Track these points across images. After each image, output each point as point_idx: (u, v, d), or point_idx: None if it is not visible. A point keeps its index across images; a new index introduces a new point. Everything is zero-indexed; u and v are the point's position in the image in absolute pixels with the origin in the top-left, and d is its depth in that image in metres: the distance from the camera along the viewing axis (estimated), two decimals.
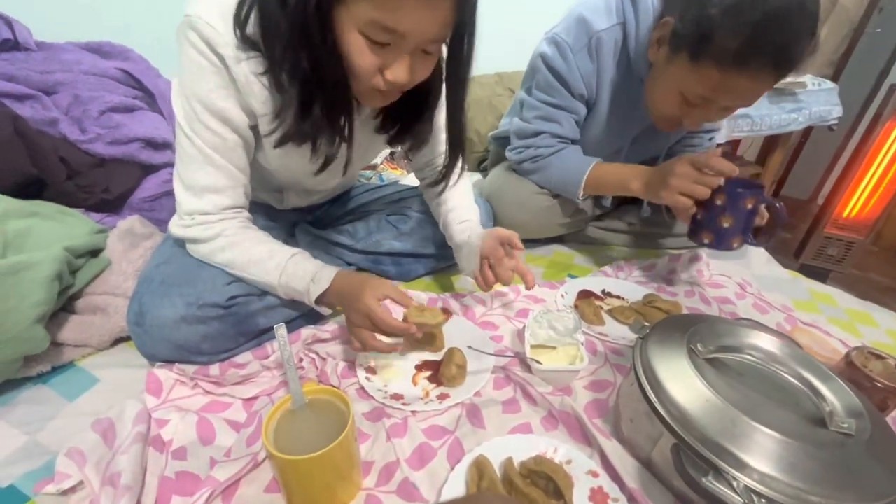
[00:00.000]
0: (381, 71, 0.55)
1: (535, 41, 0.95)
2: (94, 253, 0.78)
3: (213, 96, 0.58)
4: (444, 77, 0.63)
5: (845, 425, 0.47)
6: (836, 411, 0.50)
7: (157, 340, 0.62)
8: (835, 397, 0.51)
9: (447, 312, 0.68)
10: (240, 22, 0.54)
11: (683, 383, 0.51)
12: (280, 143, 0.61)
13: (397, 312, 0.66)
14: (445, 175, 0.75)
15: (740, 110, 1.57)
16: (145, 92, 1.05)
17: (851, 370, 0.65)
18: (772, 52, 0.63)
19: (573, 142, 0.95)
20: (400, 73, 0.55)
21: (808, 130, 2.07)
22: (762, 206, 0.77)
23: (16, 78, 0.88)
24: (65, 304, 0.70)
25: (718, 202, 0.75)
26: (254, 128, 0.63)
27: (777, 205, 0.75)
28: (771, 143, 1.94)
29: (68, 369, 0.67)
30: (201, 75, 0.57)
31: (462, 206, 0.84)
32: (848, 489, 0.42)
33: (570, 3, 0.87)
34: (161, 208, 0.96)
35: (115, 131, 0.91)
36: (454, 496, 0.50)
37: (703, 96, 0.71)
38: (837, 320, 0.88)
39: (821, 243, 1.88)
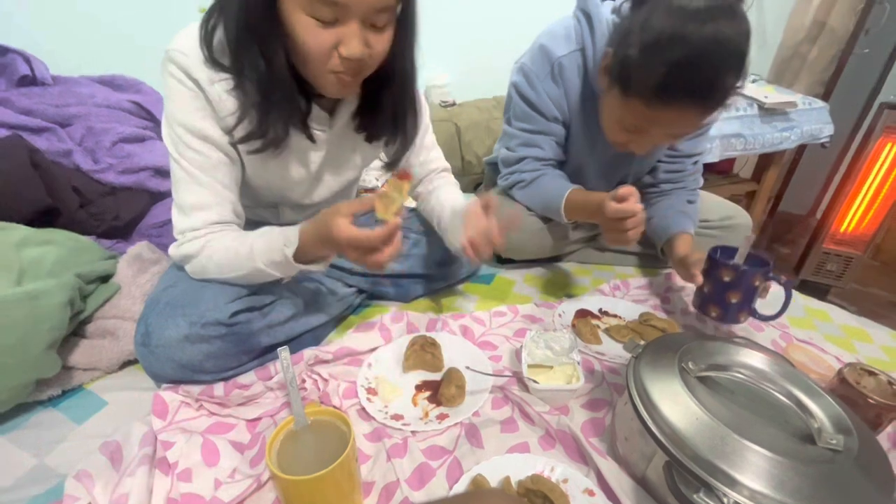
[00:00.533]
0: (335, 49, 0.57)
1: None
2: (105, 278, 0.80)
3: (192, 118, 0.63)
4: (403, 53, 0.66)
5: (833, 441, 0.48)
6: (825, 428, 0.51)
7: (163, 360, 0.64)
8: (823, 414, 0.53)
9: (404, 175, 0.64)
10: (206, 38, 0.59)
11: (675, 402, 0.52)
12: (243, 140, 0.64)
13: None
14: (400, 140, 0.77)
15: (733, 129, 1.62)
16: (155, 122, 1.10)
17: (844, 387, 0.66)
18: (692, 90, 0.66)
19: (560, 163, 0.97)
20: (353, 47, 0.57)
21: (802, 147, 2.11)
22: (767, 282, 0.79)
23: (33, 112, 0.92)
24: (75, 329, 0.72)
25: (726, 278, 0.77)
26: (233, 145, 0.67)
27: (782, 280, 0.76)
28: (765, 160, 1.97)
29: (77, 392, 0.69)
30: (181, 101, 0.62)
31: (453, 199, 0.86)
32: None
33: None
34: (168, 234, 0.99)
35: (125, 161, 0.95)
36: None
37: (636, 126, 0.74)
38: (833, 337, 0.89)
39: (819, 259, 1.90)
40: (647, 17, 0.66)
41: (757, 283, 0.77)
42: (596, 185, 1.03)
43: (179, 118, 0.63)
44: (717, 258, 0.79)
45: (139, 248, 0.88)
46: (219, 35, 0.60)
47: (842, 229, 1.84)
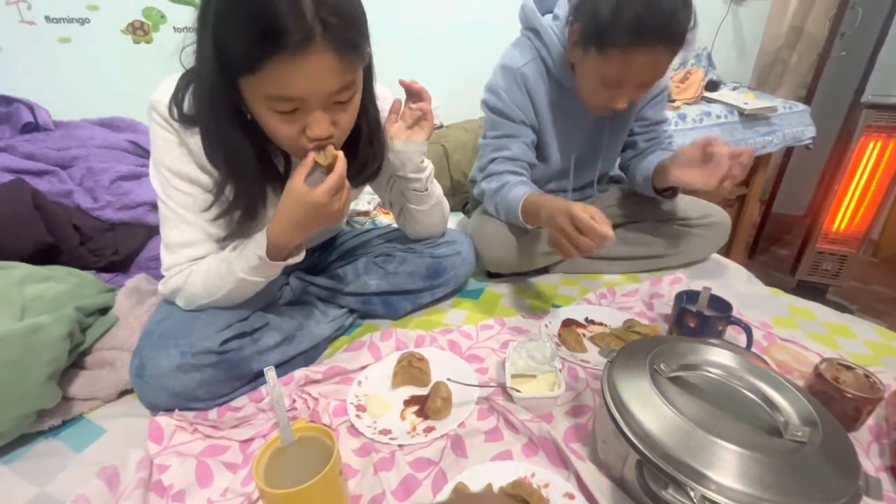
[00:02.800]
0: (303, 132, 0.61)
1: None
2: (104, 311, 0.83)
3: (177, 162, 0.67)
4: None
5: (799, 433, 0.50)
6: (792, 421, 0.52)
7: (156, 390, 0.66)
8: (790, 407, 0.54)
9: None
10: (177, 102, 0.64)
11: (645, 402, 0.54)
12: (218, 217, 0.69)
13: None
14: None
15: (718, 137, 1.66)
16: None
17: (821, 382, 0.67)
18: (656, 30, 0.79)
19: (529, 165, 1.02)
20: (319, 130, 0.60)
21: (790, 150, 2.13)
22: (730, 325, 0.83)
23: (35, 156, 0.98)
24: (75, 360, 0.75)
25: (691, 324, 0.82)
26: (217, 218, 0.70)
27: (744, 325, 0.80)
28: (753, 164, 2.00)
29: (77, 422, 0.71)
30: (167, 147, 0.67)
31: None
32: (799, 494, 0.44)
33: None
34: None
35: (123, 198, 0.99)
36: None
37: (616, 77, 0.84)
38: (816, 334, 0.90)
39: (814, 258, 1.90)
40: None
41: (720, 328, 0.82)
42: (577, 174, 1.11)
43: (165, 162, 0.67)
44: (683, 305, 0.84)
45: (137, 280, 0.91)
46: (188, 99, 0.64)
47: (834, 228, 1.85)
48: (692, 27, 0.81)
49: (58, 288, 0.78)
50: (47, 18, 1.21)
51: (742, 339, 0.81)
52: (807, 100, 2.15)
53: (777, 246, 2.53)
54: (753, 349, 0.80)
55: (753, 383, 0.57)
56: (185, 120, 0.64)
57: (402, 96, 0.84)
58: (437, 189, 0.92)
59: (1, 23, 1.18)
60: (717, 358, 0.61)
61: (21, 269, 0.78)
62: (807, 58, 2.30)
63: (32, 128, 1.05)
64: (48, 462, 0.65)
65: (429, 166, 0.87)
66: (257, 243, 0.68)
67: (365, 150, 0.76)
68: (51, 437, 0.68)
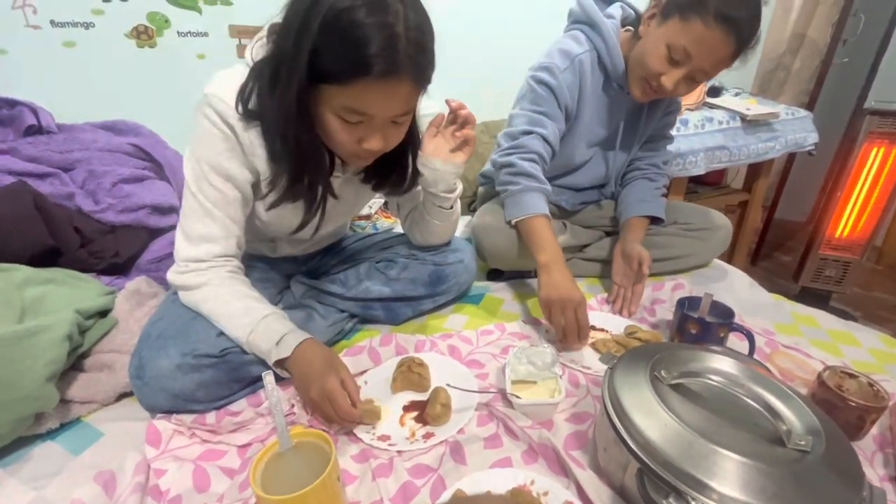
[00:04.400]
0: (358, 142, 0.66)
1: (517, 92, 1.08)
2: (104, 313, 0.83)
3: (219, 157, 0.68)
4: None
5: (802, 443, 0.49)
6: (795, 430, 0.52)
7: (156, 391, 0.66)
8: (794, 416, 0.53)
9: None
10: (243, 98, 0.66)
11: (646, 410, 0.53)
12: (273, 205, 0.72)
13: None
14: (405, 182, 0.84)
15: (716, 142, 1.66)
16: (154, 162, 1.15)
17: (824, 390, 0.67)
18: (738, 20, 0.82)
19: (552, 154, 1.03)
20: (375, 144, 0.66)
21: (792, 156, 2.13)
22: (732, 332, 0.83)
23: (38, 159, 0.98)
24: (74, 363, 0.75)
25: (693, 331, 0.82)
26: (254, 185, 0.73)
27: (746, 332, 0.80)
28: (756, 170, 1.99)
29: (75, 425, 0.71)
30: (212, 141, 0.67)
31: None
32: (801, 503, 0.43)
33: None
34: (166, 268, 0.99)
35: (125, 200, 0.99)
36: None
37: (685, 48, 0.86)
38: (819, 342, 0.90)
39: (817, 265, 1.89)
40: None
41: (722, 335, 0.82)
42: (592, 169, 1.15)
43: (206, 156, 0.68)
44: (685, 311, 0.84)
45: (137, 283, 0.91)
46: (254, 97, 0.66)
47: (837, 234, 1.84)
48: (753, 45, 0.87)
49: (58, 290, 0.78)
50: (52, 23, 1.23)
51: (744, 347, 0.81)
52: (809, 106, 2.15)
53: (780, 252, 2.52)
54: (756, 356, 0.80)
55: (756, 391, 0.57)
56: (249, 114, 0.66)
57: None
58: (458, 206, 0.94)
59: (6, 27, 1.20)
60: (719, 365, 0.61)
61: (22, 271, 0.78)
62: (809, 64, 2.30)
63: (35, 130, 1.05)
64: (45, 465, 0.64)
65: (459, 187, 0.89)
66: (282, 345, 0.68)
67: (399, 164, 0.80)
68: (48, 440, 0.68)
